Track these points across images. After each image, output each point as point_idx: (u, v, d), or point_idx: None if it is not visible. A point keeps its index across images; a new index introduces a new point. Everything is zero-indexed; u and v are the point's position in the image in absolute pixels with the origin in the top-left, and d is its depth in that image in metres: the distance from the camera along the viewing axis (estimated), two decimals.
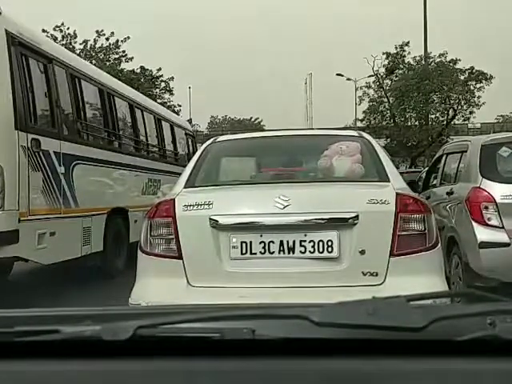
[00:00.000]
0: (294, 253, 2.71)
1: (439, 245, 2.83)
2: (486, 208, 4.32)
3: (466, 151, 5.05)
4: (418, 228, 2.75)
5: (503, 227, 4.26)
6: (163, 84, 26.20)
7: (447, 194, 5.06)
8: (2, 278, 5.92)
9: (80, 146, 5.81)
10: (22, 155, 4.58)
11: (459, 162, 5.19)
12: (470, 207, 4.42)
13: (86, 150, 5.92)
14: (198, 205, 2.81)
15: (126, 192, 7.11)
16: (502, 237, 4.24)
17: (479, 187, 4.46)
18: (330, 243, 2.70)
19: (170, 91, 26.58)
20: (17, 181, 4.48)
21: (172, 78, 26.24)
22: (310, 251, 2.70)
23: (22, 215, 4.51)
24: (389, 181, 3.04)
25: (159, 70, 25.83)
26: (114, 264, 6.46)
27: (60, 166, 5.24)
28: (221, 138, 3.86)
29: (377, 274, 2.69)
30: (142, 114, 8.06)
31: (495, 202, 4.31)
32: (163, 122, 9.04)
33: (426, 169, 7.94)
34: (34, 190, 4.76)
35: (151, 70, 25.71)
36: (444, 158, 5.89)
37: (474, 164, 4.71)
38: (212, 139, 3.80)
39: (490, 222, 4.28)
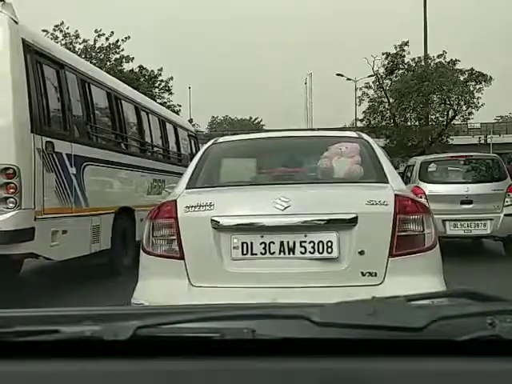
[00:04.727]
0: (294, 253, 2.65)
1: (438, 245, 2.77)
2: (420, 197, 6.61)
3: (414, 165, 8.44)
4: (417, 229, 2.70)
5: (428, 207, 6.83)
6: (162, 83, 25.10)
7: None
8: (13, 275, 5.93)
9: (90, 147, 5.83)
10: (38, 157, 4.65)
11: (412, 171, 8.44)
12: None
13: (95, 152, 5.93)
14: (200, 206, 2.75)
15: (132, 192, 7.09)
16: None
17: (417, 186, 7.71)
18: (329, 244, 2.64)
19: (169, 90, 25.45)
20: (32, 181, 4.54)
21: (171, 78, 25.13)
22: (310, 252, 2.65)
23: (37, 214, 4.56)
24: (388, 182, 2.98)
25: (160, 70, 24.73)
26: (121, 261, 6.43)
27: (71, 167, 5.28)
28: (221, 139, 3.78)
29: (376, 275, 2.63)
30: (148, 116, 8.04)
31: (425, 194, 7.34)
32: (167, 124, 9.01)
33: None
34: (48, 189, 4.82)
35: (152, 71, 24.65)
36: (407, 168, 9.24)
37: (416, 172, 8.12)
38: (213, 140, 3.72)
39: None
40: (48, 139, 4.84)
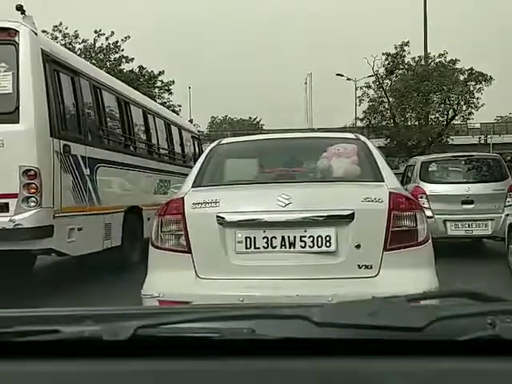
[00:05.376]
0: (294, 247, 2.67)
1: (430, 240, 2.77)
2: (421, 197, 6.90)
3: (415, 164, 8.15)
4: (410, 225, 2.70)
5: (430, 208, 6.89)
6: (162, 84, 23.69)
7: (405, 190, 7.50)
8: (28, 269, 5.96)
9: (102, 150, 5.88)
10: (56, 159, 4.75)
11: (412, 171, 8.17)
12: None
13: (107, 154, 5.98)
14: (206, 203, 2.76)
15: (140, 192, 7.09)
16: (428, 213, 5.78)
17: (418, 186, 7.46)
18: (328, 238, 2.65)
19: (169, 90, 24.16)
20: (51, 181, 4.63)
21: (173, 82, 23.87)
22: (309, 246, 2.66)
23: (55, 212, 4.66)
24: (383, 181, 2.98)
25: (162, 72, 23.26)
26: (130, 258, 6.43)
27: (86, 168, 5.35)
28: (225, 141, 3.80)
29: (371, 267, 2.65)
30: (154, 120, 8.05)
31: (426, 194, 7.19)
32: (172, 127, 9.00)
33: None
34: (66, 189, 4.91)
35: (152, 71, 23.28)
36: (408, 167, 8.93)
37: (416, 172, 7.80)
38: (217, 141, 3.74)
39: (422, 205, 7.39)
40: (65, 142, 4.93)
